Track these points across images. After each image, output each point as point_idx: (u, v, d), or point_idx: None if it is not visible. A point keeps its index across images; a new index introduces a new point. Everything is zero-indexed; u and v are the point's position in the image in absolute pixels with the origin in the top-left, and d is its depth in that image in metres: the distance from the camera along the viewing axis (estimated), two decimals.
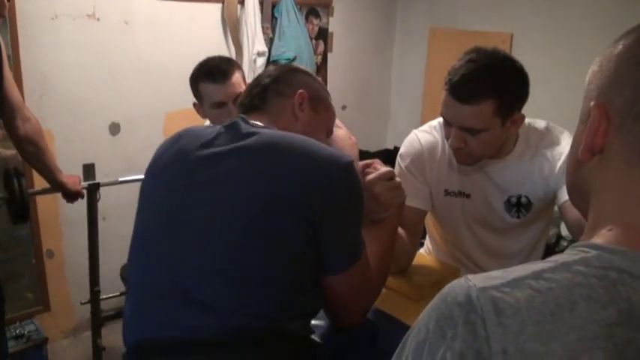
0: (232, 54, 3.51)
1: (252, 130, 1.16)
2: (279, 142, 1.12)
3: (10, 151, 2.60)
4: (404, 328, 0.63)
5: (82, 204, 2.53)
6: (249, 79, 2.18)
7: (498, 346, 0.54)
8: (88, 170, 2.55)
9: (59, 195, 2.39)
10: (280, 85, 1.30)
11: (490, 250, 1.78)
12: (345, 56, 4.32)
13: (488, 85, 1.42)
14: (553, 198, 1.62)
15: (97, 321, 2.74)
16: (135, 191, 1.29)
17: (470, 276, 0.60)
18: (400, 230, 1.59)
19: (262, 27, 3.59)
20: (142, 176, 1.28)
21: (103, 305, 2.78)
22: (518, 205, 1.66)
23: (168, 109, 3.33)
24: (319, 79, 1.43)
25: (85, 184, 2.49)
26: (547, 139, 1.63)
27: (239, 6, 3.50)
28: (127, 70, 3.16)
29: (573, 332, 0.53)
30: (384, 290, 1.49)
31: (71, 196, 2.38)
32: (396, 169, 1.74)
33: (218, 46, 3.47)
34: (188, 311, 1.05)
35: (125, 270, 2.67)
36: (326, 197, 1.07)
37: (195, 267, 1.07)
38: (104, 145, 3.16)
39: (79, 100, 3.01)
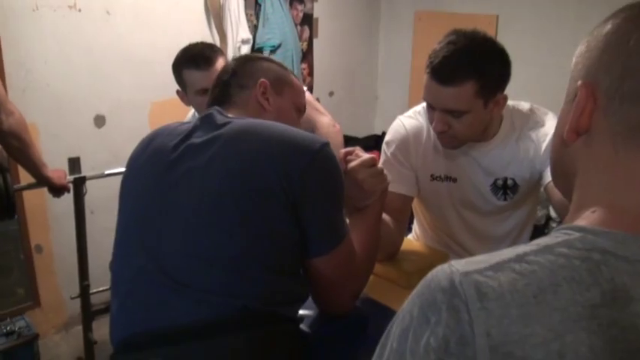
0: (217, 42, 3.49)
1: (227, 120, 1.18)
2: (253, 128, 1.13)
3: None
4: (393, 315, 0.63)
5: (69, 198, 2.51)
6: None
7: (481, 329, 0.54)
8: (74, 164, 2.54)
9: (46, 189, 2.37)
10: (240, 78, 1.32)
11: (478, 234, 1.79)
12: (330, 42, 4.31)
13: (469, 66, 1.42)
14: (539, 179, 1.62)
15: (88, 315, 2.74)
16: None
17: (453, 261, 0.60)
18: (386, 217, 1.59)
19: (246, 14, 3.56)
20: None
21: (94, 299, 2.77)
22: (504, 188, 1.67)
23: (154, 98, 3.31)
24: (275, 59, 1.45)
25: (70, 178, 2.48)
26: (531, 120, 1.63)
27: None
28: (111, 61, 3.13)
29: (557, 314, 0.53)
30: (372, 277, 1.49)
31: (57, 190, 2.36)
32: (382, 157, 1.75)
33: (202, 35, 3.44)
34: (177, 300, 1.05)
35: None
36: (303, 180, 1.08)
37: (181, 255, 1.07)
38: (90, 138, 3.14)
39: (63, 93, 2.99)
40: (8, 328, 2.82)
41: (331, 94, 4.41)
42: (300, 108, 1.40)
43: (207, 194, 1.08)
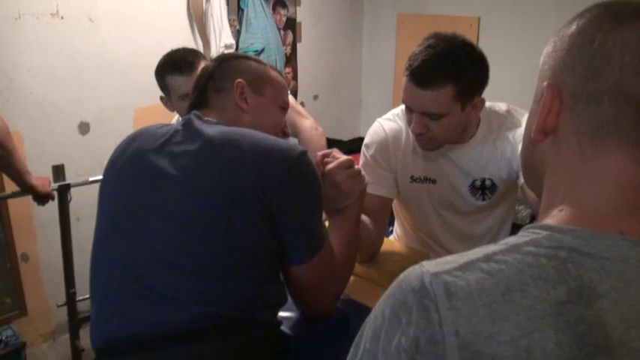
0: (200, 48, 3.49)
1: (206, 126, 1.17)
2: (232, 138, 1.12)
3: None
4: None
5: (54, 206, 2.51)
6: None
7: (451, 328, 0.54)
8: (58, 171, 2.53)
9: (31, 197, 2.37)
10: (217, 81, 1.30)
11: (458, 234, 1.81)
12: (314, 46, 4.32)
13: (447, 71, 1.43)
14: (516, 179, 1.64)
15: (75, 323, 2.72)
16: None
17: (424, 262, 0.61)
18: (366, 218, 1.60)
19: (229, 19, 3.56)
20: None
21: (81, 306, 2.75)
22: (482, 188, 1.69)
23: (138, 105, 3.30)
24: (254, 56, 1.43)
25: (55, 185, 2.47)
26: (508, 121, 1.65)
27: None
28: (94, 67, 3.12)
29: (524, 312, 0.54)
30: (354, 278, 1.51)
31: (41, 198, 2.36)
32: (362, 159, 1.76)
33: (185, 40, 3.43)
34: (152, 307, 1.05)
35: None
36: (280, 192, 1.08)
37: (156, 263, 1.07)
38: (74, 145, 3.12)
39: (47, 100, 2.97)
40: None
41: (316, 97, 4.42)
42: (283, 105, 1.38)
43: (184, 205, 1.08)
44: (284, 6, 4.00)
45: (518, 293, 0.55)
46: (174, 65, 2.09)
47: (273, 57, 3.82)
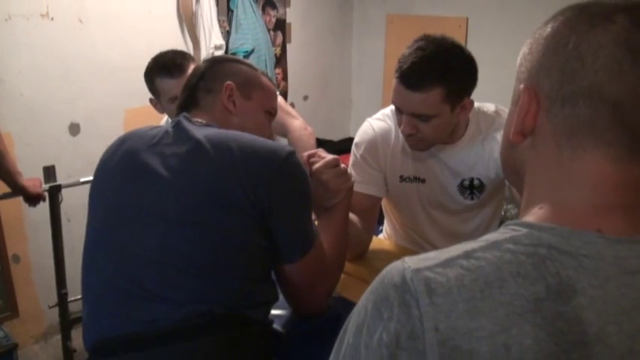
0: (190, 49, 3.49)
1: (196, 128, 1.18)
2: (221, 140, 1.14)
3: None
4: None
5: (45, 207, 2.51)
6: None
7: (431, 324, 0.55)
8: (49, 172, 2.53)
9: (22, 199, 2.37)
10: (208, 82, 1.31)
11: (447, 232, 1.83)
12: (304, 46, 4.32)
13: (437, 73, 1.44)
14: (504, 179, 1.66)
15: (66, 323, 2.72)
16: None
17: (407, 258, 0.62)
18: (355, 217, 1.62)
19: (219, 20, 3.57)
20: None
21: (72, 307, 2.76)
22: (471, 188, 1.71)
23: (128, 106, 3.29)
24: (247, 61, 1.44)
25: (45, 186, 2.47)
26: (497, 122, 1.67)
27: (194, 0, 3.48)
28: (84, 68, 3.11)
29: (502, 308, 0.55)
30: (345, 276, 1.52)
31: (32, 199, 2.36)
32: (351, 158, 1.77)
33: (175, 42, 3.43)
34: (145, 306, 1.06)
35: None
36: (270, 192, 1.09)
37: (148, 262, 1.08)
38: (65, 146, 3.12)
39: (37, 101, 2.97)
40: None
41: (306, 98, 4.43)
42: (271, 111, 1.40)
43: (175, 205, 1.09)
44: (273, 7, 4.00)
45: (497, 289, 0.56)
46: (163, 68, 2.09)
47: (263, 58, 3.82)
